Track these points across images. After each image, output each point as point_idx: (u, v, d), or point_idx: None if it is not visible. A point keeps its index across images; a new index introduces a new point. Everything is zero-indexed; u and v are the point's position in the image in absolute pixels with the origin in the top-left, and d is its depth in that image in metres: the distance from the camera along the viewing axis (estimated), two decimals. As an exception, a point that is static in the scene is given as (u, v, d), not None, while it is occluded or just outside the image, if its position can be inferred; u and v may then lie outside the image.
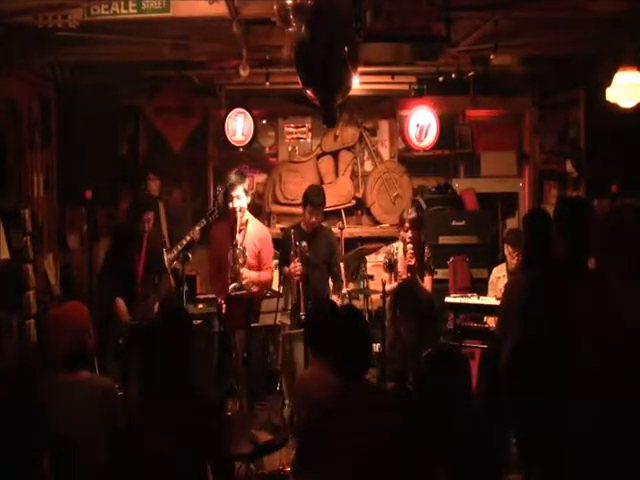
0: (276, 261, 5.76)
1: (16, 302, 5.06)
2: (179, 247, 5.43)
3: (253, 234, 5.39)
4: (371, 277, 6.68)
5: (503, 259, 5.95)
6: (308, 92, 4.16)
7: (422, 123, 7.28)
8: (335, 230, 5.99)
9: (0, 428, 2.88)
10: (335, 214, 7.49)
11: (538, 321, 3.22)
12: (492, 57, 5.57)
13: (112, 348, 4.95)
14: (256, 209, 6.70)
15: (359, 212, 7.75)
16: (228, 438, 3.08)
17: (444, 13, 4.28)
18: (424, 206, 7.26)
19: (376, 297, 6.03)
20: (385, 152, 7.80)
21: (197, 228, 5.50)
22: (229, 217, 5.34)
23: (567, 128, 6.92)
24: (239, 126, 7.14)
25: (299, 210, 5.77)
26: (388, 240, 6.77)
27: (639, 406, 2.52)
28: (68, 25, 4.56)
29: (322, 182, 7.42)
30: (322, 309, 3.84)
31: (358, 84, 5.89)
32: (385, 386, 4.84)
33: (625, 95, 4.97)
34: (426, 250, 5.55)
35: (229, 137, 7.16)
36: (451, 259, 6.93)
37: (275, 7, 4.22)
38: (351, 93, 4.37)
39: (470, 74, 6.71)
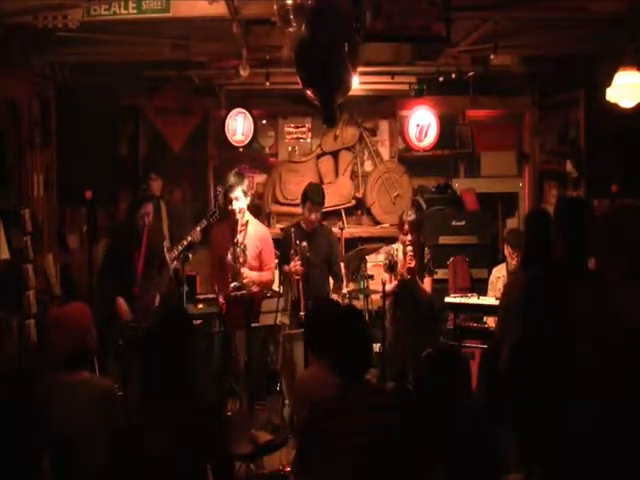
0: (276, 261, 5.76)
1: (16, 302, 5.05)
2: (180, 247, 5.43)
3: (253, 234, 5.38)
4: (371, 277, 6.68)
5: (503, 259, 5.95)
6: (308, 92, 4.16)
7: (422, 123, 7.28)
8: (335, 230, 5.98)
9: (0, 428, 2.88)
10: (335, 214, 7.49)
11: (538, 321, 3.21)
12: (492, 57, 5.57)
13: (112, 348, 4.95)
14: (256, 209, 6.70)
15: (359, 212, 7.75)
16: (228, 438, 3.08)
17: (444, 13, 4.27)
18: (424, 206, 7.26)
19: (376, 297, 6.03)
20: (385, 152, 7.79)
21: (198, 229, 5.50)
22: (229, 218, 5.34)
23: (567, 128, 6.91)
24: (239, 126, 7.14)
25: (299, 210, 5.77)
26: (388, 240, 6.77)
27: (639, 406, 2.52)
28: (68, 25, 4.56)
29: (322, 182, 7.41)
30: (322, 309, 3.84)
31: (358, 84, 5.90)
32: (385, 386, 4.85)
33: (625, 95, 4.97)
34: (426, 251, 5.54)
35: (229, 137, 7.16)
36: (451, 259, 6.94)
37: (275, 7, 4.22)
38: (351, 93, 4.36)
39: (470, 74, 6.71)
